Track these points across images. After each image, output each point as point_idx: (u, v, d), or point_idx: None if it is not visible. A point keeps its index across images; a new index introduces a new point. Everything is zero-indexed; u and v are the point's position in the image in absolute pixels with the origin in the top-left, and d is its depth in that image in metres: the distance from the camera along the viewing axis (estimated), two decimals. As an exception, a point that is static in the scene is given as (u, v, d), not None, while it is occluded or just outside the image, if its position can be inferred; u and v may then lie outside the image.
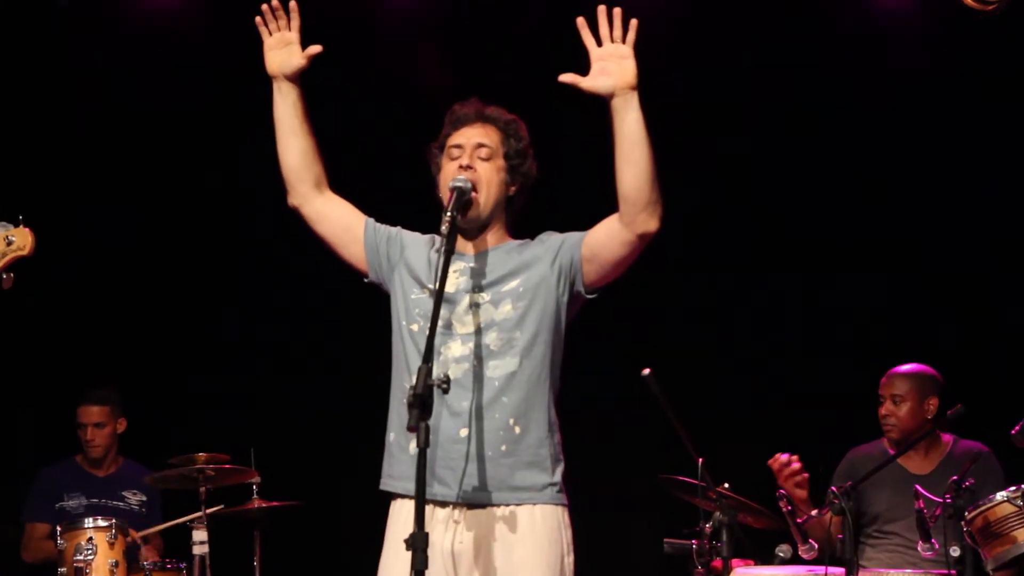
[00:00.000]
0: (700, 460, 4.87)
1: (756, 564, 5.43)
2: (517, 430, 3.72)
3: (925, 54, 6.83)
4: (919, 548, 5.13)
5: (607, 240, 3.78)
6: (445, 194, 3.79)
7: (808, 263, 7.00)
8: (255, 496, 6.27)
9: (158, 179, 7.20)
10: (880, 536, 5.80)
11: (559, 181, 4.44)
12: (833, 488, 5.04)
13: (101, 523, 6.05)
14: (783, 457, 5.51)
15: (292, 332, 7.26)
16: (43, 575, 6.57)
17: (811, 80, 6.94)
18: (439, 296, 3.58)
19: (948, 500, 5.03)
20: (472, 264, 3.82)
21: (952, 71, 6.77)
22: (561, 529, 3.76)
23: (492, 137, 3.87)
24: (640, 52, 3.67)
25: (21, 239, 4.20)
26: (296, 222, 4.00)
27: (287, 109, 3.95)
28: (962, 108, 6.79)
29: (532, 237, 3.90)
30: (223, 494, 6.30)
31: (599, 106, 3.72)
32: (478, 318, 3.76)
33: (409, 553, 3.33)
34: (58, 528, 6.10)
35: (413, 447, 3.62)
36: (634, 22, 3.70)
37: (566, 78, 3.74)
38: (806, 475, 5.50)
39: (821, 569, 5.15)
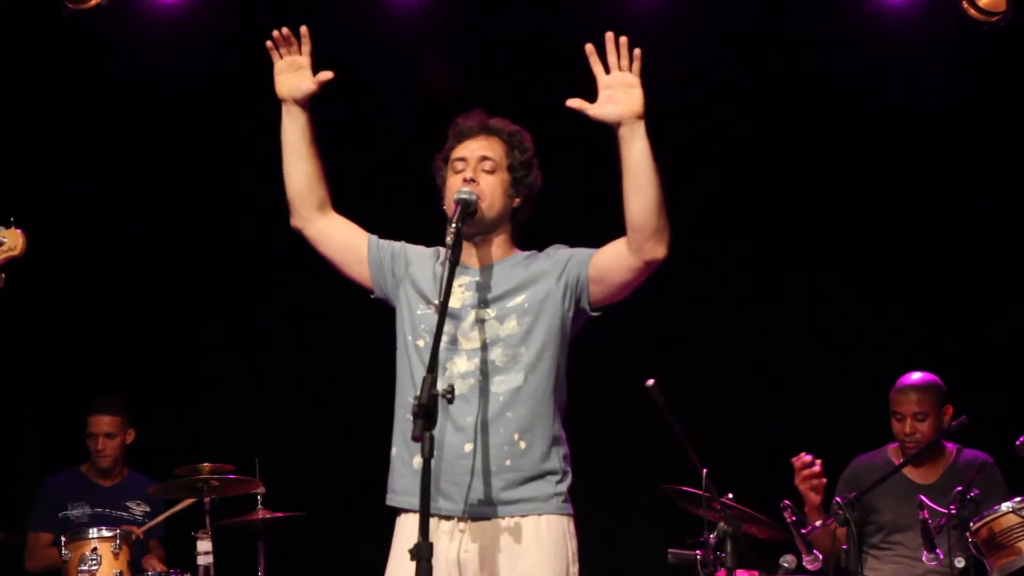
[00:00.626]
0: (704, 470, 4.88)
1: (760, 575, 5.42)
2: (522, 445, 3.72)
3: (925, 55, 6.82)
4: (923, 559, 5.13)
5: (615, 264, 3.78)
6: (450, 207, 3.78)
7: (812, 275, 6.98)
8: (259, 507, 6.26)
9: (161, 184, 7.17)
10: (885, 547, 5.78)
11: (563, 192, 4.43)
12: (838, 499, 5.04)
13: (105, 533, 6.04)
14: (807, 457, 5.46)
15: (297, 343, 7.25)
16: (47, 584, 6.58)
17: (811, 81, 6.93)
18: (443, 309, 3.58)
19: (953, 511, 5.03)
20: (477, 278, 3.82)
21: (952, 71, 6.76)
22: (566, 539, 3.76)
23: (496, 149, 3.87)
24: (641, 50, 3.68)
25: (12, 240, 4.20)
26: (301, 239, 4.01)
27: (295, 132, 3.94)
28: (964, 109, 6.78)
29: (539, 249, 3.90)
30: (227, 505, 6.30)
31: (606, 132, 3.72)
32: (483, 334, 3.75)
33: (414, 564, 3.33)
34: (62, 538, 6.08)
35: (416, 461, 3.63)
36: (638, 51, 3.70)
37: (573, 104, 3.74)
38: (824, 480, 5.46)
39: (825, 580, 5.17)
